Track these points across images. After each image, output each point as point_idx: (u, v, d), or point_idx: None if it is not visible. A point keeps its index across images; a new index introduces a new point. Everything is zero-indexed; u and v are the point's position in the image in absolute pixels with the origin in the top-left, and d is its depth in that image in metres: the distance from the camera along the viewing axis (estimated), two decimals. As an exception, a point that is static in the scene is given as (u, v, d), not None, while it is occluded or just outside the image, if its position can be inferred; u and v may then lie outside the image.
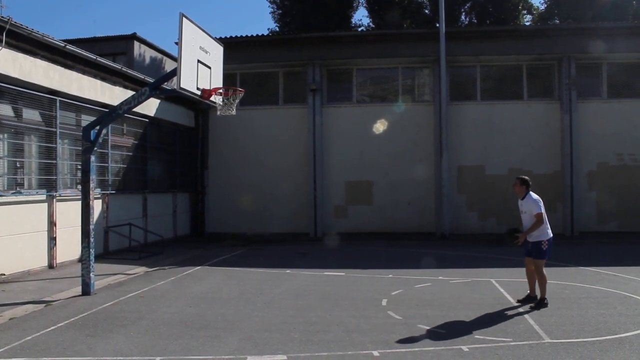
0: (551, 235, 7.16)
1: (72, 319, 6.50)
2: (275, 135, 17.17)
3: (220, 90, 8.70)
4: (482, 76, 17.09)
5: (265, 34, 20.25)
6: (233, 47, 13.97)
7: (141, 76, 13.82)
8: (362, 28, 27.29)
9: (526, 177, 7.45)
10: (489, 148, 16.61)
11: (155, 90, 8.42)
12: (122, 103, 8.34)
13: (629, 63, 16.44)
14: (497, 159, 16.54)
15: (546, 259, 7.17)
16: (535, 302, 7.05)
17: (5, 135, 9.53)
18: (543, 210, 7.08)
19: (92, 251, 8.04)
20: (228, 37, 16.35)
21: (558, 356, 5.01)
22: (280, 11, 26.86)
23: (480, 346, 5.32)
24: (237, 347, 5.38)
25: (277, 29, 26.99)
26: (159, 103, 14.87)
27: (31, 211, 9.81)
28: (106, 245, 12.25)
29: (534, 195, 7.23)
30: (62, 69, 10.70)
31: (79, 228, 8.22)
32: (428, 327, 6.04)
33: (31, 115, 10.04)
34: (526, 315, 6.51)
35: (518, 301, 7.26)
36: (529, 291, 7.35)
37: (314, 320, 6.42)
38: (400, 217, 16.70)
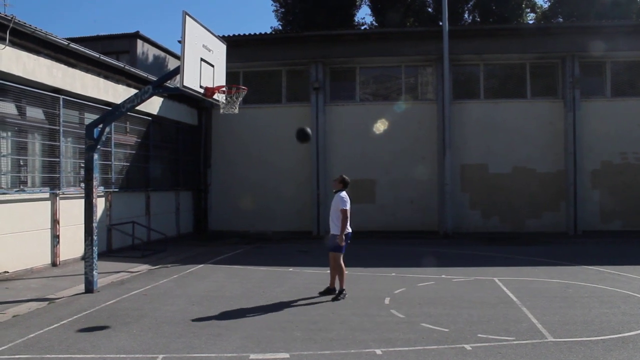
0: (349, 230, 7.60)
1: (75, 317, 6.52)
2: (278, 133, 17.15)
3: (223, 89, 8.70)
4: (486, 75, 17.04)
5: (268, 33, 20.21)
6: (236, 45, 13.99)
7: (144, 74, 13.85)
8: (365, 26, 27.24)
9: (347, 178, 7.82)
10: (492, 147, 16.57)
11: (158, 88, 8.44)
12: (125, 101, 8.35)
13: (633, 62, 16.38)
14: (500, 158, 16.51)
15: (342, 252, 7.54)
16: (335, 293, 7.55)
17: (9, 134, 9.55)
18: (348, 207, 7.51)
19: (95, 249, 8.07)
20: (231, 35, 16.35)
21: (561, 355, 4.99)
22: (283, 10, 26.81)
23: (483, 345, 5.31)
24: (239, 345, 5.39)
25: (280, 28, 26.95)
26: (162, 101, 14.88)
27: (34, 209, 9.84)
28: (109, 243, 12.29)
29: (343, 194, 7.63)
30: (66, 67, 10.72)
31: (82, 226, 8.24)
32: (431, 326, 6.03)
33: (35, 113, 10.06)
34: (529, 314, 6.49)
35: (319, 293, 7.71)
36: (329, 284, 7.80)
37: (316, 319, 6.42)
38: (403, 216, 16.69)
